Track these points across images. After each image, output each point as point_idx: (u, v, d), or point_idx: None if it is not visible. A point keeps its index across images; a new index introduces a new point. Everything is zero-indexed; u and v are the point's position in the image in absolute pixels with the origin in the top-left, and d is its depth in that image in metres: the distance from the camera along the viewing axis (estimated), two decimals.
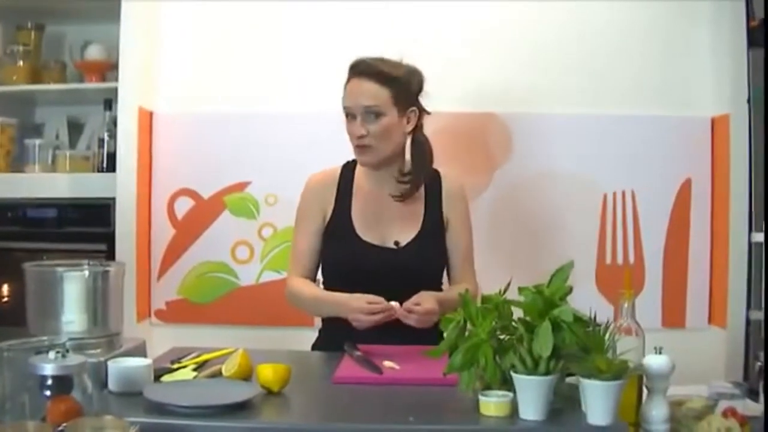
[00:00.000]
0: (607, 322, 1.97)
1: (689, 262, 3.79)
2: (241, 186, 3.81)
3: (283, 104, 3.81)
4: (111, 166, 3.74)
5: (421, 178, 2.82)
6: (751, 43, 3.59)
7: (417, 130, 2.84)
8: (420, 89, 2.82)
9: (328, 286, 2.80)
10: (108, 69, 3.83)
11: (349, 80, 2.77)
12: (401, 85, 2.75)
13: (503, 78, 3.78)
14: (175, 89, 3.83)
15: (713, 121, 3.76)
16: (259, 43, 3.83)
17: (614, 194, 3.80)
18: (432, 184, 2.85)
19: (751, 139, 3.57)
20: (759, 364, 2.11)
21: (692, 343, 3.60)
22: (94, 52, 3.83)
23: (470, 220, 2.91)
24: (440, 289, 2.81)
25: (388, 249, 2.74)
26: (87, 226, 3.71)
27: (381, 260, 2.70)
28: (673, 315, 3.77)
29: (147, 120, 3.75)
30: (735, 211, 3.60)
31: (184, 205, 3.81)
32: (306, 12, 3.82)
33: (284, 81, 3.82)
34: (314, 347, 2.90)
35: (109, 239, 3.63)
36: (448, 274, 2.87)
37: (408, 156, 2.85)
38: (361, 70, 2.74)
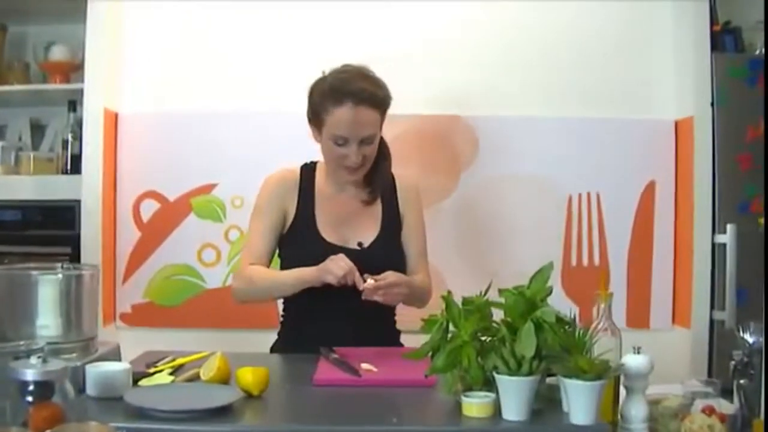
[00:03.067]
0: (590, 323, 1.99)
1: (653, 264, 3.84)
2: (208, 188, 3.79)
3: (250, 106, 3.79)
4: (75, 167, 3.71)
5: (385, 179, 2.85)
6: (715, 46, 3.64)
7: None
8: (391, 99, 2.79)
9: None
10: (72, 70, 3.80)
11: (339, 105, 2.66)
12: (387, 105, 2.75)
13: (468, 81, 3.80)
14: (140, 90, 3.80)
15: (677, 124, 3.81)
16: (225, 44, 3.81)
17: (579, 196, 3.83)
18: (388, 184, 2.88)
19: (714, 142, 3.62)
20: (733, 363, 2.14)
21: (657, 343, 3.57)
22: (58, 53, 3.80)
23: (422, 213, 2.93)
24: None
25: (352, 250, 2.73)
26: (51, 228, 3.68)
27: None
28: (638, 316, 3.81)
29: (112, 121, 3.72)
30: (699, 212, 3.65)
31: (149, 208, 3.77)
32: (271, 13, 3.81)
33: (251, 82, 3.80)
34: (273, 349, 2.91)
35: (74, 242, 3.60)
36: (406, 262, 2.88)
37: None
38: (360, 98, 2.64)
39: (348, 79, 2.69)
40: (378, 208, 2.84)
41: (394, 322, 2.89)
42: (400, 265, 2.81)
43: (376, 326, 2.74)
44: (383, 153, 2.86)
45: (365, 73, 2.74)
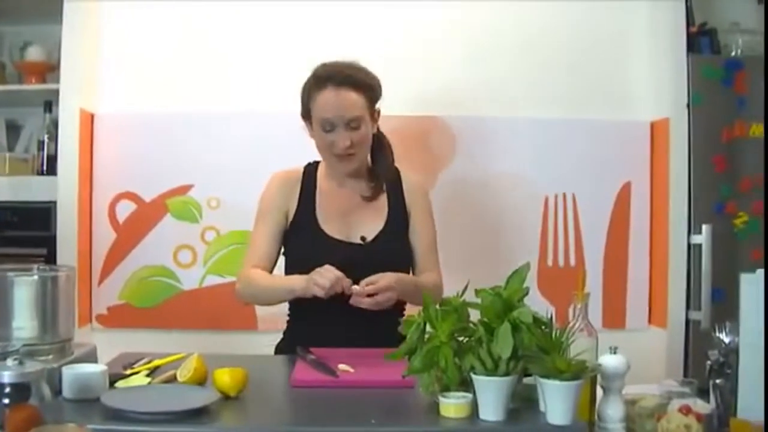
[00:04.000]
0: (566, 323, 2.00)
1: (629, 264, 3.86)
2: (184, 189, 3.78)
3: (226, 106, 3.79)
4: (51, 168, 3.70)
5: (388, 177, 2.87)
6: (691, 48, 3.67)
7: (376, 131, 2.89)
8: (382, 93, 2.85)
9: None
10: (48, 70, 3.79)
11: (321, 89, 2.73)
12: (373, 91, 2.79)
13: (446, 82, 3.81)
14: (116, 91, 3.79)
15: (653, 125, 3.84)
16: (201, 45, 3.81)
17: (555, 197, 3.85)
18: (394, 180, 2.89)
19: (690, 143, 3.64)
20: (709, 362, 2.15)
21: (632, 343, 3.59)
22: (33, 53, 3.78)
23: (432, 212, 2.94)
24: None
25: (354, 244, 2.76)
26: (26, 229, 3.67)
27: (348, 256, 2.69)
28: (614, 316, 3.83)
29: (88, 122, 3.70)
30: (674, 213, 3.68)
31: (125, 209, 3.76)
32: (249, 12, 3.81)
33: (227, 83, 3.80)
34: (278, 349, 2.88)
35: (50, 243, 3.59)
36: (413, 266, 2.87)
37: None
38: (340, 80, 2.71)
39: (329, 66, 2.77)
40: (383, 202, 2.85)
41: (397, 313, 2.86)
42: (405, 261, 2.82)
43: (384, 326, 2.57)
44: (382, 145, 2.90)
45: (350, 63, 2.79)
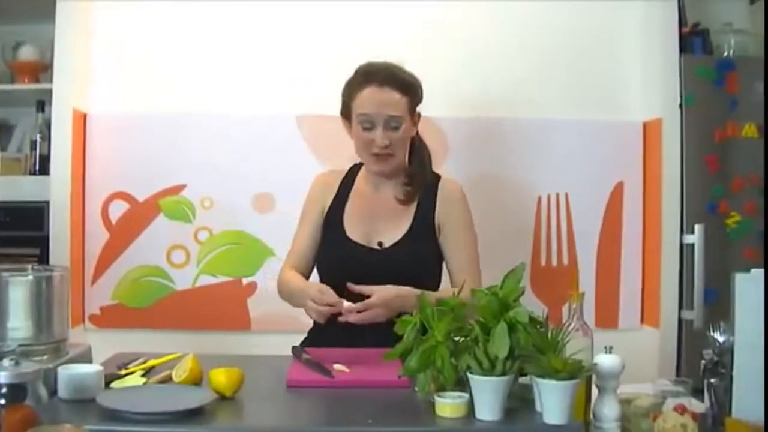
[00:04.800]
0: (559, 323, 2.01)
1: (622, 264, 3.87)
2: (177, 189, 3.77)
3: (220, 107, 3.78)
4: (43, 168, 3.69)
5: (425, 181, 2.85)
6: (683, 48, 3.68)
7: (415, 134, 2.89)
8: (423, 96, 2.86)
9: (323, 282, 2.75)
10: (41, 70, 3.78)
11: (364, 87, 2.73)
12: (416, 93, 2.81)
13: (437, 82, 3.76)
14: (109, 91, 3.78)
15: (645, 126, 3.84)
16: (195, 45, 3.80)
17: (548, 197, 3.85)
18: (428, 187, 2.85)
19: (682, 143, 3.65)
20: (703, 362, 2.15)
21: (625, 343, 3.61)
22: (26, 53, 3.78)
23: (471, 223, 2.89)
24: (427, 286, 2.69)
25: (371, 249, 2.76)
26: (19, 229, 3.66)
27: (364, 260, 2.71)
28: (607, 316, 3.84)
29: (81, 122, 3.69)
30: (667, 213, 3.68)
31: (118, 209, 3.75)
32: (242, 13, 3.80)
33: (221, 83, 3.79)
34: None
35: (42, 243, 3.58)
36: (450, 278, 2.83)
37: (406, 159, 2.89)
38: (383, 78, 2.73)
39: (374, 64, 2.78)
40: (411, 209, 2.82)
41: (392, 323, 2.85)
42: (422, 271, 2.77)
43: None
44: (422, 152, 2.90)
45: (395, 64, 2.80)
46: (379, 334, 2.40)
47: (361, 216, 2.82)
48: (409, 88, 2.78)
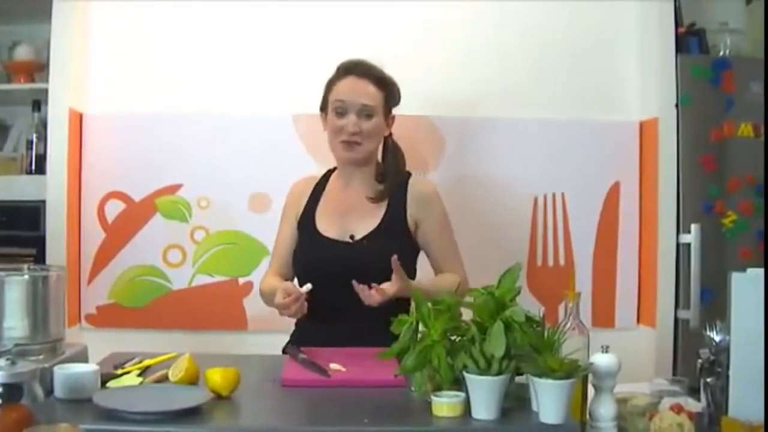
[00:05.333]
0: (555, 322, 2.01)
1: (618, 264, 3.87)
2: (173, 189, 3.76)
3: (216, 106, 3.78)
4: (39, 168, 3.70)
5: (397, 181, 2.89)
6: (679, 48, 3.68)
7: (389, 136, 2.96)
8: (399, 100, 2.95)
9: (301, 281, 2.78)
10: (37, 69, 3.78)
11: (342, 77, 2.85)
12: (391, 91, 2.90)
13: (435, 82, 3.81)
14: (105, 91, 3.77)
15: (641, 125, 3.84)
16: (191, 45, 3.79)
17: (544, 197, 3.85)
18: (399, 185, 2.90)
19: (678, 143, 3.65)
20: (700, 361, 2.16)
21: (622, 342, 3.61)
22: (22, 53, 3.77)
23: (445, 218, 2.96)
24: None
25: (342, 242, 2.79)
26: (15, 229, 3.66)
27: (336, 253, 2.75)
28: (603, 315, 3.83)
29: (77, 121, 3.68)
30: (663, 213, 3.69)
31: (114, 208, 3.74)
32: (238, 13, 3.80)
33: (217, 83, 3.79)
34: (285, 350, 2.83)
35: (39, 243, 3.58)
36: (435, 269, 2.91)
37: (380, 159, 2.96)
38: (362, 71, 2.85)
39: (355, 60, 2.89)
40: (382, 205, 2.86)
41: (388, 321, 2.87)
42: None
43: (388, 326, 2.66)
44: (395, 153, 2.97)
45: (371, 61, 2.89)
46: (361, 333, 2.49)
47: (333, 213, 2.89)
48: (386, 84, 2.88)
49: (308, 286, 2.56)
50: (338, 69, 2.89)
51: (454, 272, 2.85)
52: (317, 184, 2.99)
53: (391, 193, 2.87)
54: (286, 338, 2.85)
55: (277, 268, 2.94)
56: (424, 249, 2.90)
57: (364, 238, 2.79)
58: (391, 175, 2.90)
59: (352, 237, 2.80)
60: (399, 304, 2.57)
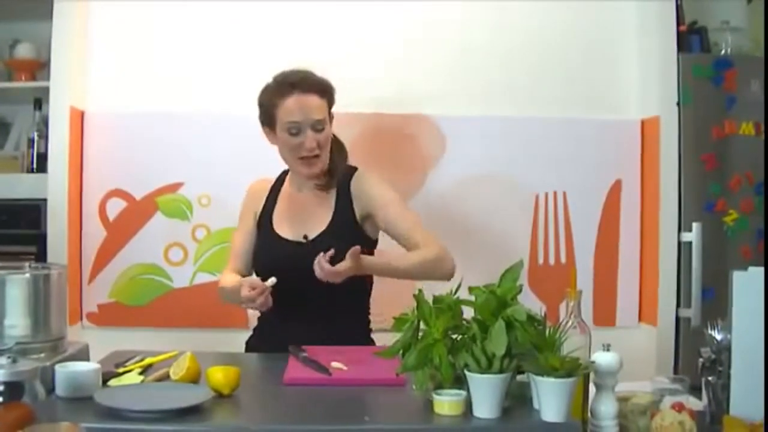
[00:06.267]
0: (556, 320, 2.01)
1: (619, 262, 3.87)
2: (174, 187, 3.76)
3: (217, 105, 3.77)
4: (41, 166, 3.69)
5: (341, 167, 2.93)
6: (681, 46, 3.68)
7: None
8: (335, 98, 2.96)
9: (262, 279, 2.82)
10: (38, 68, 3.78)
11: (288, 95, 2.82)
12: (331, 95, 2.91)
13: (436, 81, 3.81)
14: (107, 89, 3.77)
15: (643, 124, 3.84)
16: (192, 43, 3.79)
17: (546, 195, 3.85)
18: (344, 180, 2.92)
19: (680, 141, 3.65)
20: (701, 360, 2.16)
21: (623, 341, 3.61)
22: (23, 51, 3.77)
23: (391, 194, 2.91)
24: (358, 286, 2.80)
25: (296, 243, 2.84)
26: (16, 227, 3.65)
27: (290, 253, 2.80)
28: (604, 314, 3.84)
29: (78, 120, 3.68)
30: (664, 211, 3.69)
31: (115, 207, 3.74)
32: (239, 11, 3.79)
33: (218, 81, 3.79)
34: (248, 345, 3.01)
35: (40, 241, 3.58)
36: (405, 244, 2.85)
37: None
38: (307, 86, 2.83)
39: (290, 73, 2.87)
40: (332, 202, 2.89)
41: (368, 321, 2.95)
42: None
43: (347, 325, 2.81)
44: (338, 146, 2.99)
45: (305, 69, 2.89)
46: (317, 330, 2.66)
47: (287, 214, 2.94)
48: (328, 92, 2.89)
49: (273, 280, 2.61)
50: (279, 84, 2.86)
51: (427, 245, 2.80)
52: (273, 186, 3.03)
53: (337, 181, 2.89)
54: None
55: (233, 266, 2.97)
56: (391, 235, 2.88)
57: (315, 238, 2.82)
58: (336, 165, 2.92)
59: (305, 237, 2.83)
60: (350, 309, 2.78)
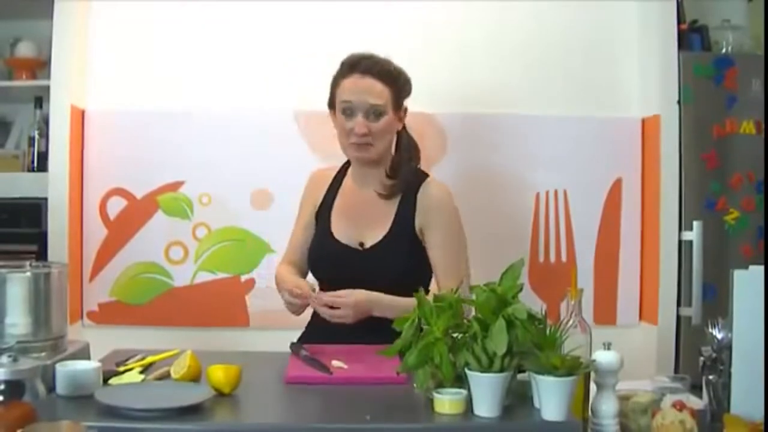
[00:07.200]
0: (557, 319, 2.01)
1: (620, 261, 3.87)
2: (175, 186, 3.76)
3: (218, 103, 3.78)
4: (41, 165, 3.69)
5: (408, 177, 2.82)
6: (681, 45, 3.68)
7: (402, 129, 2.89)
8: (410, 91, 2.88)
9: (313, 274, 2.84)
10: (39, 66, 3.78)
11: (347, 76, 2.76)
12: (400, 85, 2.81)
13: (438, 79, 3.80)
14: (107, 87, 3.77)
15: (643, 122, 3.84)
16: (193, 41, 3.79)
17: (546, 194, 3.85)
18: (411, 189, 2.81)
19: (680, 140, 3.65)
20: (702, 359, 2.16)
21: (623, 339, 3.60)
22: (24, 49, 3.77)
23: (455, 229, 2.84)
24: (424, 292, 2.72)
25: (352, 249, 2.76)
26: (17, 226, 3.66)
27: (346, 260, 2.72)
28: (605, 312, 3.84)
29: (79, 118, 3.68)
30: (665, 210, 3.68)
31: (116, 205, 3.74)
32: (239, 9, 3.79)
33: (218, 80, 3.79)
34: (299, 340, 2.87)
35: (40, 240, 3.58)
36: (436, 283, 2.81)
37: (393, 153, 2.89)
38: (366, 67, 2.74)
39: (359, 54, 2.79)
40: (393, 209, 2.79)
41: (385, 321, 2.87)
42: (402, 273, 2.73)
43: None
44: (408, 147, 2.89)
45: (380, 56, 2.80)
46: (376, 332, 2.40)
47: (345, 214, 2.84)
48: (393, 79, 2.78)
49: (317, 292, 2.58)
50: (342, 65, 2.80)
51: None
52: (336, 176, 2.93)
53: (403, 189, 2.79)
54: (289, 335, 2.81)
55: (290, 257, 2.91)
56: (431, 262, 2.79)
57: (372, 247, 2.75)
58: (403, 169, 2.82)
59: (361, 245, 2.76)
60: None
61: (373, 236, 2.76)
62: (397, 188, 2.80)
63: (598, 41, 3.89)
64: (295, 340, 2.73)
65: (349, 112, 2.73)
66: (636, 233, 3.86)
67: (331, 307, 2.55)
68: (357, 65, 2.75)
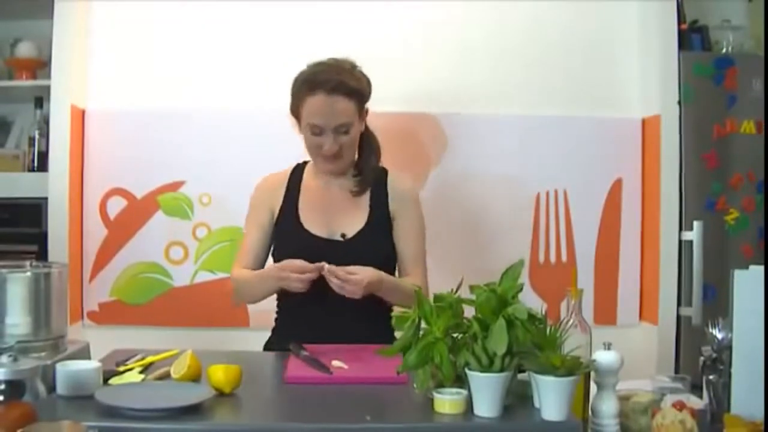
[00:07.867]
0: (557, 319, 2.01)
1: (620, 261, 3.87)
2: (175, 186, 3.76)
3: (218, 103, 3.78)
4: (41, 165, 3.69)
5: (375, 172, 2.87)
6: (682, 45, 3.68)
7: (364, 128, 2.91)
8: (371, 91, 2.86)
9: None
10: (39, 66, 3.78)
11: (312, 94, 2.72)
12: (363, 96, 2.81)
13: (438, 79, 3.81)
14: (107, 87, 3.77)
15: (644, 122, 3.84)
16: (193, 42, 3.79)
17: (547, 194, 3.85)
18: (378, 179, 2.88)
19: (681, 140, 3.65)
20: (702, 358, 2.16)
21: (624, 339, 3.61)
22: (24, 50, 3.77)
23: (421, 219, 2.91)
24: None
25: (334, 241, 2.77)
26: (17, 226, 3.66)
27: (328, 252, 2.69)
28: (605, 312, 3.84)
29: (79, 118, 3.68)
30: (665, 210, 3.69)
31: (116, 205, 3.74)
32: (240, 10, 3.79)
33: (219, 79, 3.79)
34: (267, 346, 2.89)
35: (41, 240, 3.58)
36: (399, 270, 2.87)
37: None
38: (332, 86, 2.70)
39: (322, 70, 2.76)
40: (366, 200, 2.84)
41: (390, 319, 2.87)
42: (386, 259, 2.80)
43: (370, 324, 2.64)
44: (371, 145, 2.91)
45: (342, 65, 2.79)
46: (349, 330, 2.55)
47: (315, 209, 2.84)
48: (358, 93, 2.77)
49: (324, 264, 2.56)
50: (306, 80, 2.75)
51: (417, 279, 2.79)
52: (291, 179, 2.92)
53: (371, 184, 2.85)
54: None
55: (246, 263, 2.86)
56: (397, 249, 2.86)
57: (354, 237, 2.77)
58: (367, 167, 2.87)
59: (343, 236, 2.77)
60: (379, 306, 2.66)
61: (352, 227, 2.79)
62: (365, 184, 2.85)
63: (598, 41, 3.89)
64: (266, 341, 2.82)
65: (317, 131, 2.73)
66: (636, 233, 3.86)
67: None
68: (322, 84, 2.71)
